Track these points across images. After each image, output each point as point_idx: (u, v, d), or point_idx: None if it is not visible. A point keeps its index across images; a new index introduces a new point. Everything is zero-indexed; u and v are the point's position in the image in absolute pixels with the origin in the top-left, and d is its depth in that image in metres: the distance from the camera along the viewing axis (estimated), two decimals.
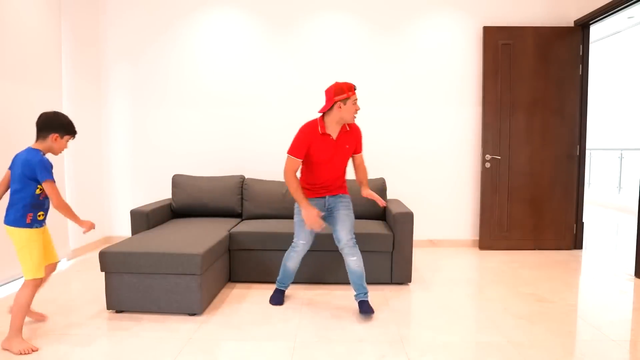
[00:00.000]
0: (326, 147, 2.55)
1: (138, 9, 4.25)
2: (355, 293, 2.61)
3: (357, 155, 2.72)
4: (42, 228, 2.23)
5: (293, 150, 2.53)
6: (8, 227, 2.15)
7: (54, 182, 2.15)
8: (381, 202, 2.52)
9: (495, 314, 2.63)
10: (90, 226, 2.28)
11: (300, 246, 2.70)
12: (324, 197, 2.69)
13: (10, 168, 2.20)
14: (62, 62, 3.73)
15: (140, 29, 4.27)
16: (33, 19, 3.35)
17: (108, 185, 4.42)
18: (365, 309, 2.54)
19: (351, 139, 2.62)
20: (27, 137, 3.29)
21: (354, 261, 2.56)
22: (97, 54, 4.26)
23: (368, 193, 2.61)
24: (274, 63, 4.25)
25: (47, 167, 2.13)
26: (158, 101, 4.32)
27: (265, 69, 4.26)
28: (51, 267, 2.41)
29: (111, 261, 2.56)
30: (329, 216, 2.71)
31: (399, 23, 4.21)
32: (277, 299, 2.81)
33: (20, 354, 2.09)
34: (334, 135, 2.56)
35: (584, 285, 3.17)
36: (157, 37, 4.27)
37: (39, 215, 2.20)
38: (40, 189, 2.16)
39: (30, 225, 2.16)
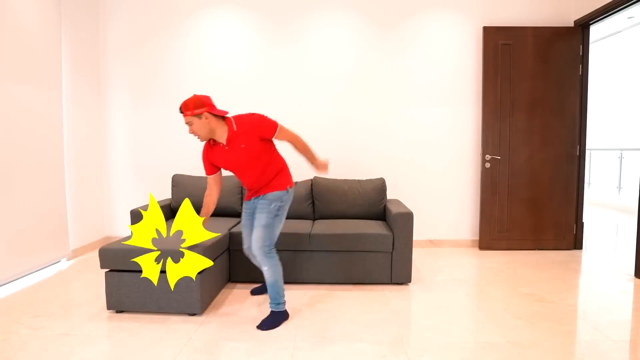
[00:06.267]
0: (221, 155, 2.44)
1: (138, 9, 4.25)
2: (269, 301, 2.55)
3: (276, 139, 2.45)
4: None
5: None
6: None
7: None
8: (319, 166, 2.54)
9: (495, 314, 2.63)
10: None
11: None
12: (251, 200, 2.61)
13: None
14: (62, 61, 3.73)
15: (140, 29, 4.27)
16: (33, 19, 3.35)
17: (108, 185, 4.42)
18: (262, 324, 2.44)
19: (243, 135, 2.37)
20: (27, 136, 3.29)
21: (265, 270, 2.47)
22: (96, 54, 4.26)
23: (319, 164, 2.55)
24: (274, 62, 4.25)
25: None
26: (158, 101, 4.32)
27: (264, 67, 4.26)
28: None
29: (111, 258, 2.56)
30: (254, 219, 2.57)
31: (398, 23, 4.21)
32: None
33: None
34: (223, 141, 2.40)
35: (584, 285, 3.17)
36: (157, 37, 4.27)
37: None
38: None
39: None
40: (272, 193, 2.47)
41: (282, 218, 2.52)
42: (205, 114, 2.29)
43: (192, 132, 2.34)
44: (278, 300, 2.50)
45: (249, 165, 2.42)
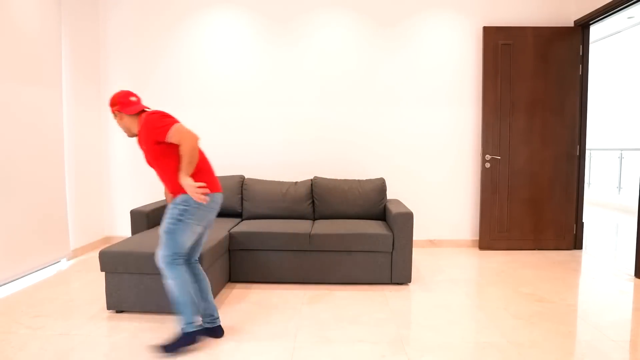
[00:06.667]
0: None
1: (138, 9, 4.25)
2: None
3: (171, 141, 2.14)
4: None
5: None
6: None
7: None
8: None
9: (495, 314, 2.63)
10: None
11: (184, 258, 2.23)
12: None
13: None
14: (62, 61, 3.73)
15: (140, 29, 4.27)
16: (33, 19, 3.35)
17: (108, 185, 4.42)
18: (166, 344, 2.14)
19: (141, 135, 2.19)
20: (27, 136, 3.29)
21: (167, 284, 2.20)
22: (96, 53, 4.26)
23: (184, 180, 2.08)
24: (273, 62, 4.25)
25: None
26: (157, 101, 4.32)
27: (264, 68, 4.26)
28: None
29: (111, 261, 2.56)
30: None
31: (398, 23, 4.21)
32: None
33: None
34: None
35: (584, 285, 3.17)
36: (157, 37, 4.27)
37: None
38: None
39: None
40: (180, 196, 2.18)
41: (189, 225, 2.15)
42: (117, 112, 2.22)
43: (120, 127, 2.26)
44: (187, 319, 2.17)
45: (156, 167, 2.20)
